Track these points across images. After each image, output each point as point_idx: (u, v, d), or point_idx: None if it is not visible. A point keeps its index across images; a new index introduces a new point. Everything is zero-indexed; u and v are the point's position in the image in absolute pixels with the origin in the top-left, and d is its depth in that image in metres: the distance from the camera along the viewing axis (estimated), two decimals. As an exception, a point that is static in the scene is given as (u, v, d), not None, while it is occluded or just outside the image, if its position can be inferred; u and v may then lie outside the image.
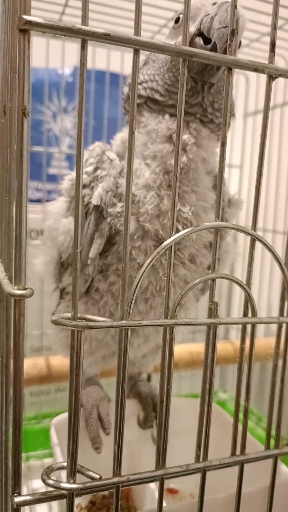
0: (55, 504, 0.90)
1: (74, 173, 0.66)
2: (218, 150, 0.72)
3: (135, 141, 0.64)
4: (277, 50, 1.19)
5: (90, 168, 0.65)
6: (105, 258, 0.66)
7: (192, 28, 0.58)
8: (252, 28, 1.01)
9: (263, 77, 0.45)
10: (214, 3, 0.56)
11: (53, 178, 1.36)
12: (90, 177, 0.64)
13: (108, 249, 0.65)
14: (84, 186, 0.64)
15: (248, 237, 0.47)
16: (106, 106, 1.27)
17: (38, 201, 1.36)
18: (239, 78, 1.33)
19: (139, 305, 0.67)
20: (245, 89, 1.35)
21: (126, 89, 0.70)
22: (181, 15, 0.63)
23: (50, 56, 1.16)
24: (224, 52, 0.53)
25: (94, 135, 1.29)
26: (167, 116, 0.64)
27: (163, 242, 0.42)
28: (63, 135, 1.38)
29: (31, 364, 0.94)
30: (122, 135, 0.71)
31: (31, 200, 1.33)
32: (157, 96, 0.64)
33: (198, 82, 0.60)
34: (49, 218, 0.69)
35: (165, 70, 0.63)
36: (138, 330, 0.70)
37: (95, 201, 0.62)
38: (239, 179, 1.38)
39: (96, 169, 0.64)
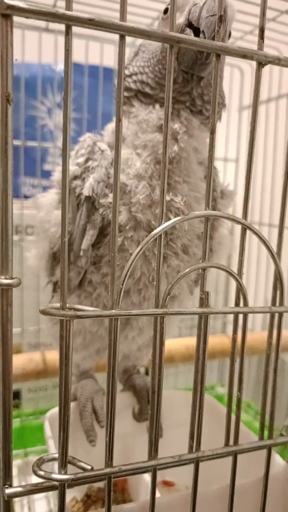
0: (53, 498, 0.90)
1: None
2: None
3: (126, 131, 0.65)
4: (270, 42, 1.18)
5: (81, 159, 0.64)
6: (98, 250, 0.65)
7: (181, 19, 0.57)
8: (245, 20, 1.01)
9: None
10: None
11: (48, 174, 1.35)
12: (82, 168, 0.64)
13: (100, 241, 0.65)
14: (76, 177, 0.64)
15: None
16: (100, 100, 1.26)
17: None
18: (234, 71, 1.32)
19: (132, 297, 0.67)
20: (240, 83, 1.35)
21: (116, 81, 0.69)
22: (168, 6, 0.62)
23: (44, 51, 1.15)
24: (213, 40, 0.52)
25: (88, 129, 1.28)
26: (157, 106, 0.63)
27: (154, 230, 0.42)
28: (57, 131, 1.38)
29: (27, 359, 0.94)
30: (112, 125, 0.71)
31: (26, 197, 1.33)
32: (147, 90, 0.64)
33: (188, 73, 0.60)
34: (41, 210, 0.68)
35: (155, 62, 0.63)
36: (132, 323, 0.70)
37: (86, 192, 0.62)
38: (235, 173, 1.38)
39: (87, 160, 0.64)
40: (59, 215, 0.64)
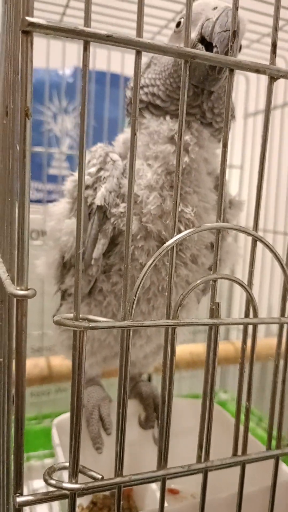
0: (55, 504, 0.90)
1: (76, 174, 0.67)
2: (218, 151, 0.73)
3: (137, 142, 0.65)
4: (277, 51, 1.19)
5: (93, 169, 0.65)
6: (108, 259, 0.66)
7: (194, 34, 0.58)
8: (252, 29, 1.02)
9: (264, 78, 0.45)
10: (215, 8, 0.56)
11: (54, 179, 1.36)
12: (93, 178, 0.65)
13: (111, 250, 0.65)
14: (87, 187, 0.65)
15: (249, 238, 0.47)
16: (106, 106, 1.27)
17: (39, 201, 1.36)
18: (239, 78, 1.33)
19: (141, 306, 0.67)
20: (246, 90, 1.35)
21: (128, 93, 0.70)
22: (182, 19, 0.63)
23: (51, 57, 1.16)
24: (226, 55, 0.53)
25: (94, 135, 1.29)
26: (168, 117, 0.64)
27: (165, 242, 0.42)
28: (63, 136, 1.38)
29: (32, 365, 0.94)
30: (123, 136, 0.72)
31: (31, 201, 1.32)
32: (158, 102, 0.65)
33: (198, 87, 0.61)
34: (51, 219, 0.69)
35: (166, 75, 0.64)
36: (141, 331, 0.70)
37: (98, 201, 0.62)
38: (240, 179, 1.38)
39: (99, 170, 0.64)
40: (71, 224, 0.65)
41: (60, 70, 1.28)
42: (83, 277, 0.67)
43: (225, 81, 0.61)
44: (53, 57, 1.17)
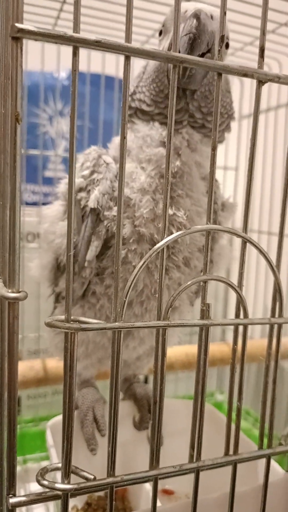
0: (52, 505, 0.90)
1: None
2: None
3: (131, 144, 0.66)
4: (271, 53, 1.20)
5: (86, 172, 0.65)
6: (101, 261, 0.66)
7: (168, 42, 0.59)
8: (245, 32, 1.03)
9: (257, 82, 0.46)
10: (186, 11, 0.57)
11: (49, 181, 1.37)
12: (87, 180, 0.65)
13: (104, 252, 0.66)
14: (81, 190, 0.65)
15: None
16: (101, 109, 1.28)
17: (34, 204, 1.36)
18: (233, 81, 1.34)
19: (134, 308, 0.67)
20: (240, 92, 1.36)
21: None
22: (162, 28, 0.65)
23: (46, 60, 1.16)
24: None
25: (89, 137, 1.30)
26: (157, 124, 0.65)
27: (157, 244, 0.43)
28: (59, 138, 1.39)
29: (28, 367, 0.94)
30: (119, 138, 0.72)
31: (27, 203, 1.34)
32: (144, 107, 0.66)
33: (179, 89, 0.61)
34: (45, 222, 0.69)
35: (150, 82, 0.65)
36: (134, 333, 0.71)
37: (91, 204, 0.63)
38: (235, 181, 1.39)
39: (92, 172, 0.65)
40: (65, 227, 0.66)
41: (55, 73, 1.29)
42: (77, 280, 0.67)
43: (209, 80, 0.61)
44: (48, 60, 1.18)
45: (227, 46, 0.65)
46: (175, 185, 0.64)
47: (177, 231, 0.62)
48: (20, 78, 0.36)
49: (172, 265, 0.66)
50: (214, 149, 0.44)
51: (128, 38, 0.39)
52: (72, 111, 0.38)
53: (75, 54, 0.38)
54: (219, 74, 0.43)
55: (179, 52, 0.56)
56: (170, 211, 0.63)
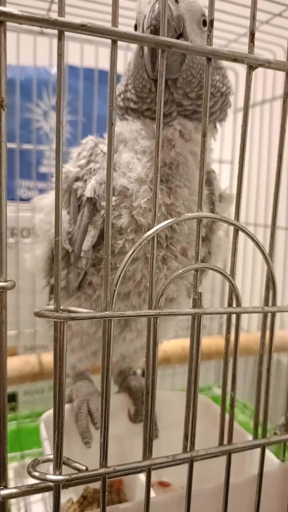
0: (50, 501, 0.90)
1: (66, 166, 0.67)
2: (210, 142, 0.72)
3: (128, 135, 0.65)
4: (265, 44, 1.18)
5: (83, 161, 0.65)
6: (98, 252, 0.66)
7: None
8: (239, 23, 1.02)
9: (254, 72, 0.45)
10: (149, 2, 0.56)
11: (44, 177, 1.36)
12: (84, 170, 0.65)
13: (100, 242, 0.65)
14: (77, 179, 0.65)
15: (241, 233, 0.47)
16: (95, 103, 1.27)
17: (29, 200, 1.35)
18: (228, 73, 1.33)
19: (132, 299, 0.67)
20: (235, 85, 1.35)
21: (119, 87, 0.69)
22: (136, 22, 0.64)
23: (38, 54, 1.15)
24: (152, 53, 0.56)
25: (83, 132, 1.29)
26: (147, 121, 0.65)
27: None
28: (53, 133, 1.38)
29: (23, 362, 0.94)
30: (116, 129, 0.72)
31: (22, 199, 1.33)
32: (132, 105, 0.65)
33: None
34: (40, 212, 0.69)
35: (133, 79, 0.64)
36: (131, 325, 0.70)
37: (88, 193, 0.63)
38: (230, 174, 1.38)
39: (89, 162, 0.64)
40: (61, 216, 0.65)
41: (48, 67, 1.27)
42: (73, 270, 0.66)
43: (189, 64, 0.60)
44: (41, 55, 1.17)
45: (205, 24, 0.63)
46: (172, 176, 0.63)
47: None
48: (4, 63, 0.35)
49: (170, 255, 0.65)
50: (204, 135, 0.43)
51: (114, 22, 0.38)
52: (59, 97, 0.38)
53: (60, 38, 0.37)
54: (209, 59, 0.43)
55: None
56: (169, 200, 0.63)
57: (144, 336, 0.73)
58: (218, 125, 0.71)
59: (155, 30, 0.52)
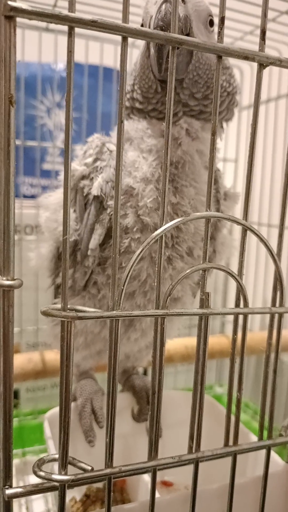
0: (50, 498, 0.90)
1: (73, 164, 0.67)
2: (217, 141, 0.72)
3: (134, 133, 0.65)
4: (270, 42, 1.18)
5: (89, 160, 0.65)
6: (103, 251, 0.65)
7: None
8: (245, 20, 1.01)
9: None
10: (155, 2, 0.55)
11: (48, 174, 1.36)
12: (90, 168, 0.64)
13: (106, 241, 0.65)
14: (84, 177, 0.65)
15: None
16: (99, 100, 1.26)
17: (33, 197, 1.35)
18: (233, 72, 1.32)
19: (137, 298, 0.67)
20: (240, 83, 1.35)
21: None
22: (143, 22, 0.63)
23: (43, 51, 1.15)
24: (160, 55, 0.55)
25: (87, 130, 1.28)
26: (154, 120, 0.64)
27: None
28: (57, 130, 1.37)
29: (26, 359, 0.94)
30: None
31: (25, 196, 1.33)
32: (137, 105, 0.65)
33: (165, 82, 0.59)
34: (46, 210, 0.68)
35: (139, 79, 0.63)
36: (136, 324, 0.70)
37: (95, 191, 0.62)
38: (234, 173, 1.38)
39: (95, 160, 0.64)
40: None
41: (53, 64, 1.27)
42: (79, 269, 0.66)
43: (195, 65, 0.60)
44: (46, 51, 1.16)
45: (211, 24, 0.63)
46: (178, 176, 0.63)
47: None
48: (14, 59, 0.35)
49: (176, 255, 0.65)
50: (213, 134, 0.43)
51: (125, 18, 0.38)
52: (68, 94, 0.37)
53: (70, 34, 0.36)
54: (219, 57, 0.42)
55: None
56: (175, 200, 0.63)
57: (149, 335, 0.73)
58: (224, 125, 0.71)
59: (162, 31, 0.52)
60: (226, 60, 0.67)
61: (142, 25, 0.64)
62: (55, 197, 0.69)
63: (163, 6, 0.53)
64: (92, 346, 0.73)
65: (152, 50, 0.58)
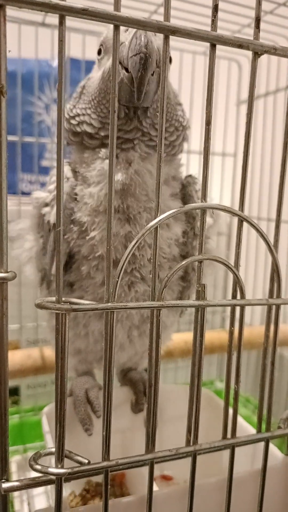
0: (52, 494, 0.90)
1: (39, 192, 0.67)
2: (175, 158, 0.69)
3: (78, 165, 0.63)
4: (268, 35, 1.17)
5: (51, 187, 0.67)
6: (69, 275, 0.67)
7: (109, 62, 0.56)
8: (242, 13, 1.00)
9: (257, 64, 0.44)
10: (126, 30, 0.54)
11: (46, 171, 1.35)
12: (51, 195, 0.66)
13: (71, 266, 0.66)
14: (46, 205, 0.66)
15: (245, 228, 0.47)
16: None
17: (31, 193, 1.35)
18: (231, 65, 1.32)
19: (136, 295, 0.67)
20: (238, 77, 1.34)
21: (66, 125, 0.66)
22: (101, 47, 0.63)
23: (40, 47, 1.14)
24: (142, 82, 0.53)
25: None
26: (102, 151, 0.62)
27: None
28: (55, 127, 1.37)
29: (25, 356, 0.94)
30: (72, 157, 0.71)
31: (24, 193, 1.33)
32: (89, 129, 0.62)
33: (130, 109, 0.58)
34: (38, 205, 0.68)
35: (96, 103, 0.61)
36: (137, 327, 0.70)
37: (51, 219, 0.64)
38: (233, 167, 1.37)
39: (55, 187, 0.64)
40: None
41: (50, 60, 1.26)
42: (51, 292, 0.67)
43: (157, 97, 0.57)
44: (43, 47, 1.16)
45: (170, 60, 0.61)
46: (130, 205, 0.62)
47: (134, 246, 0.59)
48: (4, 48, 0.35)
49: (135, 280, 0.65)
50: (208, 123, 0.42)
51: (117, 6, 0.37)
52: (60, 84, 0.37)
53: (61, 23, 0.36)
54: (213, 45, 0.42)
55: (127, 71, 0.54)
56: (128, 228, 0.62)
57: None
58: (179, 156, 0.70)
59: (145, 58, 0.52)
60: (178, 98, 0.67)
61: (99, 51, 0.63)
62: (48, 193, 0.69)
63: (142, 34, 0.52)
64: (91, 350, 0.74)
65: (125, 75, 0.55)
